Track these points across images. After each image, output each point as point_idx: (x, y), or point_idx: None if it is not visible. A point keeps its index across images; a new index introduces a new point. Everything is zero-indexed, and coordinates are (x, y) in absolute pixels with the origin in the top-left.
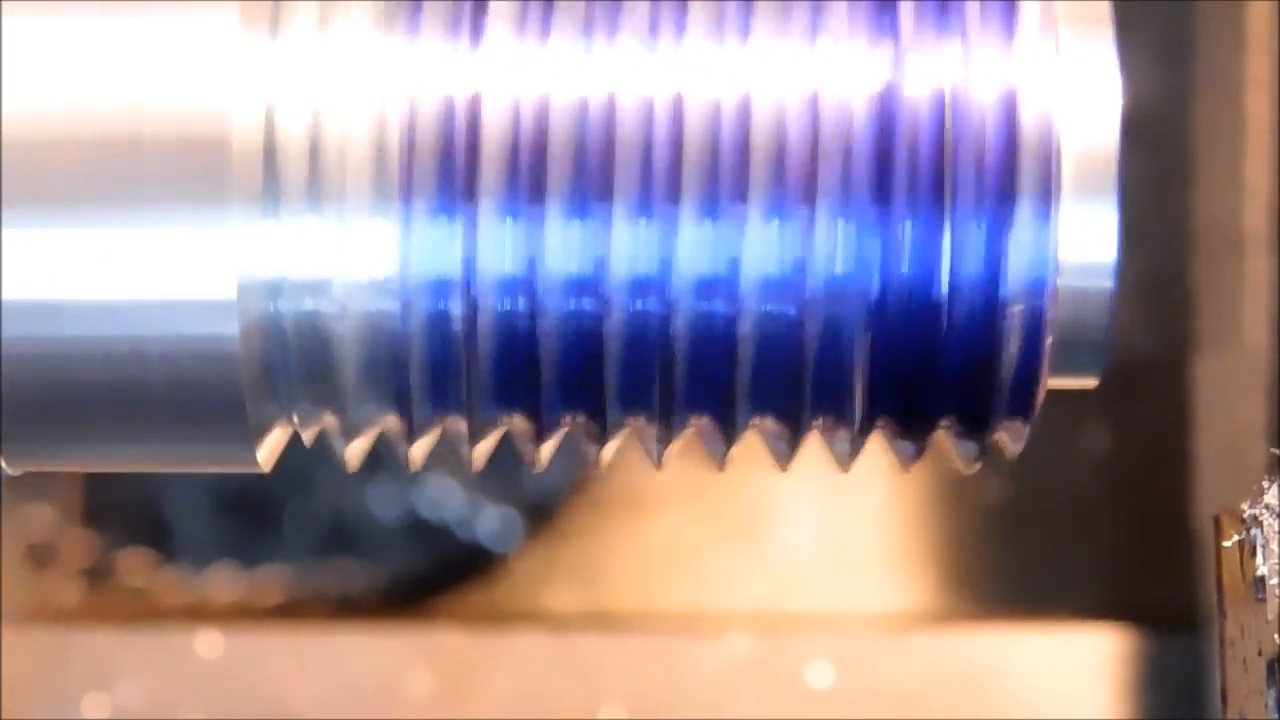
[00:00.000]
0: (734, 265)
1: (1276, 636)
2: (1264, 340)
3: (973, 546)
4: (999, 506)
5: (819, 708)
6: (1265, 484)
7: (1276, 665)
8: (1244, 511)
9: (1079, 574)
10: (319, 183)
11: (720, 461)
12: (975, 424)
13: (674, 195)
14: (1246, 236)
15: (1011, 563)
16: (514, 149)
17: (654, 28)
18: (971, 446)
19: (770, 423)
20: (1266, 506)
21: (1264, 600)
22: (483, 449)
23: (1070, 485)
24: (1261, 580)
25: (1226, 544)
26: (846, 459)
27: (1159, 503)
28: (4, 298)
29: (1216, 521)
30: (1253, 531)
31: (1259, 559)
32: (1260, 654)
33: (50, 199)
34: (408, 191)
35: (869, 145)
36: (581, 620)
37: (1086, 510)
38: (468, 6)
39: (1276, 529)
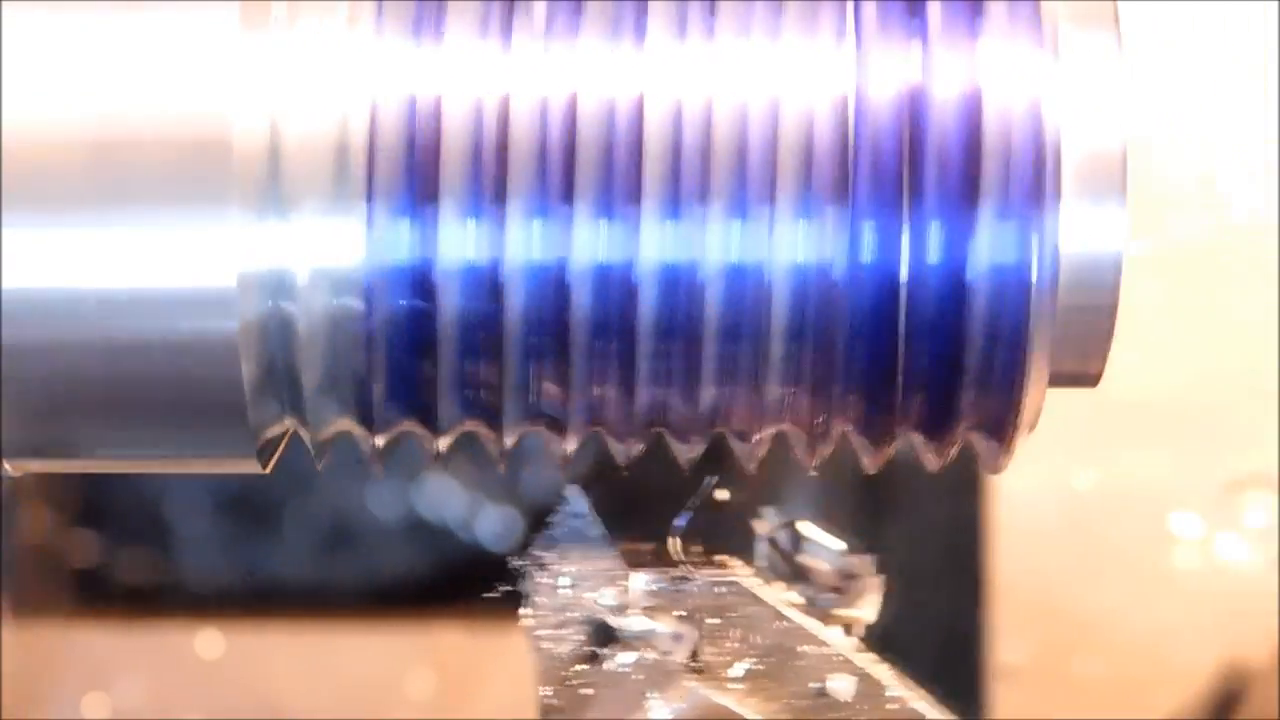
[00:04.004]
0: (694, 264)
1: (539, 689)
2: None
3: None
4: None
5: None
6: (532, 536)
7: None
8: (510, 563)
9: None
10: (317, 180)
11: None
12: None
13: (634, 195)
14: None
15: None
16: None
17: (616, 28)
18: (995, 447)
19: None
20: (531, 558)
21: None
22: (447, 450)
23: None
24: (530, 631)
25: (490, 594)
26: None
27: None
28: (4, 298)
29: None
30: (520, 583)
31: (525, 609)
32: None
33: (47, 197)
34: (398, 188)
35: (885, 143)
36: None
37: None
38: (432, 7)
39: (542, 580)
